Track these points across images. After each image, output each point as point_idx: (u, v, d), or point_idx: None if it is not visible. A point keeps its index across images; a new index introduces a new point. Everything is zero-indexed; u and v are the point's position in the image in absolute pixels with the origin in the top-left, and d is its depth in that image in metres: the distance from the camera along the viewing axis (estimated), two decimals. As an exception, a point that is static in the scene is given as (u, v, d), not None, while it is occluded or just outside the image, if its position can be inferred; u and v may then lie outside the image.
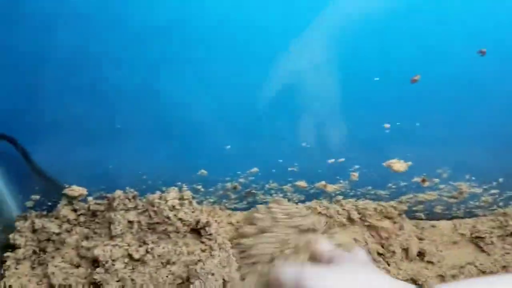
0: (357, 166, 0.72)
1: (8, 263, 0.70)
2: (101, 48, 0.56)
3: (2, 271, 0.70)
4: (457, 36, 0.55)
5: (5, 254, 0.70)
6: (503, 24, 0.54)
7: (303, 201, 0.78)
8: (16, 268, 0.70)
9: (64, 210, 0.72)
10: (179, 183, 0.74)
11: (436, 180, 0.74)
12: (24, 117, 0.65)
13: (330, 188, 0.75)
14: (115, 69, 0.59)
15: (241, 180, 0.74)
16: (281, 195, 0.76)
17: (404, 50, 0.57)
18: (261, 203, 0.78)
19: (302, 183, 0.75)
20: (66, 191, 0.71)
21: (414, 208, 0.79)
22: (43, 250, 0.71)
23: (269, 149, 0.69)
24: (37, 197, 0.73)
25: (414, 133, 0.67)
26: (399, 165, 0.70)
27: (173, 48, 0.57)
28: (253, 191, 0.76)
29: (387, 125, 0.65)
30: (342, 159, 0.70)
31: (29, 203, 0.74)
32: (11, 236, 0.71)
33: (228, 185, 0.75)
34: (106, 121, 0.65)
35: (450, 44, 0.56)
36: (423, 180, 0.74)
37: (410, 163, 0.71)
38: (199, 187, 0.75)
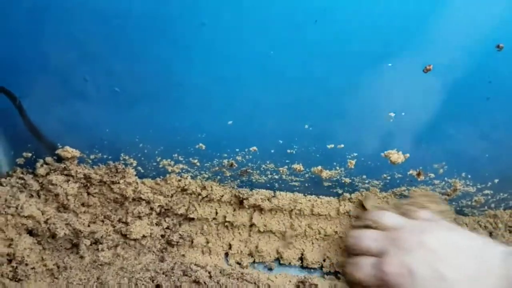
0: (355, 154, 0.71)
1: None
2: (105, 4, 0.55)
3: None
4: (472, 30, 0.56)
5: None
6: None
7: (297, 188, 0.78)
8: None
9: (41, 169, 0.71)
10: (176, 155, 0.73)
11: (432, 175, 0.75)
12: (22, 73, 0.63)
13: (326, 174, 0.74)
14: (117, 28, 0.57)
15: (238, 158, 0.74)
16: (276, 176, 0.76)
17: (417, 38, 0.57)
18: (255, 183, 0.78)
19: (298, 166, 0.74)
20: (58, 151, 0.70)
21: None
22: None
23: (271, 129, 0.69)
24: (29, 155, 0.71)
25: (417, 125, 0.67)
26: (397, 156, 0.71)
27: (178, 14, 0.55)
28: (249, 170, 0.76)
29: (391, 114, 0.65)
30: (342, 145, 0.70)
31: (20, 160, 0.72)
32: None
33: (225, 161, 0.74)
34: (104, 83, 0.64)
35: (465, 38, 0.56)
36: (419, 174, 0.74)
37: (408, 155, 0.71)
38: (195, 161, 0.74)
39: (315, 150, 0.71)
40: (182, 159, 0.74)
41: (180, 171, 0.76)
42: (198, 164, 0.75)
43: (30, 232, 0.70)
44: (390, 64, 0.59)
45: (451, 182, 0.76)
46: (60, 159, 0.71)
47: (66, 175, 0.71)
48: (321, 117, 0.66)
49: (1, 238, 0.66)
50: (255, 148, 0.72)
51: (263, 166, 0.75)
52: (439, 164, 0.73)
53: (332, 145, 0.70)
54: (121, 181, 0.72)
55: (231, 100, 0.65)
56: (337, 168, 0.74)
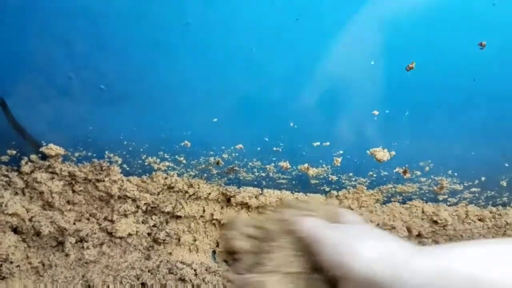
0: (341, 151, 0.71)
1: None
2: (91, 3, 0.55)
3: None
4: (457, 29, 0.56)
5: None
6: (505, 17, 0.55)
7: (284, 186, 0.78)
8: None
9: (26, 166, 0.71)
10: (161, 152, 0.73)
11: (418, 172, 0.75)
12: (5, 70, 0.62)
13: (312, 171, 0.74)
14: (104, 25, 0.57)
15: (225, 155, 0.73)
16: (263, 174, 0.76)
17: (400, 38, 0.57)
18: (242, 181, 0.77)
19: (285, 164, 0.74)
20: (43, 149, 0.70)
21: (391, 199, 0.80)
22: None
23: (257, 126, 0.69)
24: (13, 152, 0.71)
25: (402, 123, 0.67)
26: (382, 153, 0.71)
27: (163, 13, 0.55)
28: (236, 167, 0.75)
29: (375, 112, 0.65)
30: (327, 143, 0.70)
31: (4, 158, 0.71)
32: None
33: (211, 159, 0.74)
34: (90, 80, 0.63)
35: (449, 36, 0.56)
36: (405, 172, 0.74)
37: (393, 153, 0.71)
38: (181, 158, 0.74)
39: (301, 147, 0.71)
40: (168, 156, 0.74)
41: (166, 168, 0.75)
42: (184, 161, 0.74)
43: (15, 230, 0.70)
44: (372, 62, 0.59)
45: (437, 180, 0.76)
46: (44, 157, 0.71)
47: (51, 172, 0.71)
48: (306, 115, 0.66)
49: (-15, 236, 0.66)
50: (241, 145, 0.72)
51: (250, 163, 0.75)
52: (425, 162, 0.73)
53: (318, 143, 0.70)
54: (106, 179, 0.72)
55: (215, 97, 0.65)
56: (324, 165, 0.74)
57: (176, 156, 0.74)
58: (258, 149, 0.72)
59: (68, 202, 0.73)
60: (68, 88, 0.64)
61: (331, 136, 0.69)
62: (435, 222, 0.79)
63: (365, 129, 0.68)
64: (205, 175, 0.77)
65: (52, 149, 0.69)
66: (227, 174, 0.77)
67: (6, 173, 0.71)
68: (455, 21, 0.56)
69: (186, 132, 0.70)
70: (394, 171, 0.74)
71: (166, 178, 0.76)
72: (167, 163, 0.75)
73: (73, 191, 0.73)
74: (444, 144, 0.71)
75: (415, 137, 0.69)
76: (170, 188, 0.77)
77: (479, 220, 0.81)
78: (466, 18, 0.55)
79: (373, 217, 0.78)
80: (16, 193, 0.70)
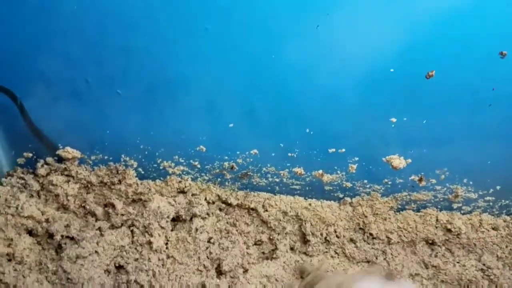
0: (356, 158, 0.71)
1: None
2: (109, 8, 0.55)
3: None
4: (478, 38, 0.55)
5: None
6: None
7: (297, 191, 0.78)
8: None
9: (42, 169, 0.71)
10: (176, 157, 0.73)
11: (433, 180, 0.74)
12: (24, 73, 0.63)
13: (327, 178, 0.74)
14: (119, 29, 0.57)
15: (239, 160, 0.73)
16: (277, 179, 0.76)
17: (421, 46, 0.57)
18: (255, 186, 0.77)
19: (299, 170, 0.74)
20: (59, 152, 0.70)
21: (406, 207, 0.79)
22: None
23: (272, 132, 0.69)
24: (30, 155, 0.71)
25: (419, 131, 0.67)
26: (398, 161, 0.70)
27: (181, 17, 0.56)
28: (250, 173, 0.75)
29: (393, 119, 0.65)
30: (343, 150, 0.70)
31: (20, 160, 0.72)
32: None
33: (226, 164, 0.74)
34: (106, 85, 0.64)
35: (470, 45, 0.56)
36: (420, 179, 0.74)
37: (409, 160, 0.71)
38: (196, 163, 0.74)
39: (316, 154, 0.71)
40: (182, 161, 0.74)
41: (181, 173, 0.75)
42: (198, 166, 0.74)
43: (30, 232, 0.70)
44: (392, 70, 0.59)
45: (452, 188, 0.75)
46: (60, 160, 0.71)
47: (67, 175, 0.71)
48: (323, 122, 0.66)
49: (1, 238, 0.67)
50: (256, 151, 0.72)
51: (264, 169, 0.75)
52: (441, 170, 0.73)
53: (334, 150, 0.70)
54: (122, 182, 0.72)
55: (232, 103, 0.65)
56: (338, 172, 0.74)
57: (191, 161, 0.74)
58: (273, 154, 0.72)
59: (82, 205, 0.73)
60: (85, 92, 0.64)
61: (347, 143, 0.69)
62: (449, 230, 0.78)
63: (382, 137, 0.67)
64: (218, 179, 0.77)
65: (69, 152, 0.70)
66: (240, 179, 0.77)
67: (22, 175, 0.71)
68: (476, 30, 0.55)
69: (202, 137, 0.70)
70: (410, 178, 0.74)
71: (180, 182, 0.76)
72: (181, 167, 0.75)
73: (88, 194, 0.73)
74: (461, 152, 0.70)
75: (432, 145, 0.69)
76: (183, 192, 0.77)
77: (493, 229, 0.80)
78: (487, 28, 0.55)
79: (387, 225, 0.77)
80: (32, 196, 0.70)
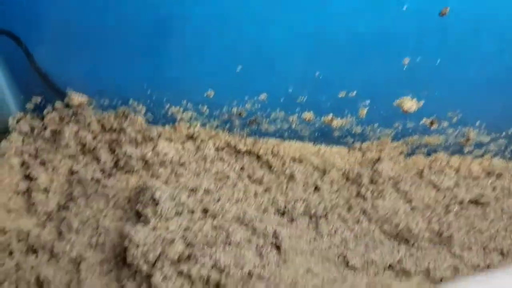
0: (367, 102, 0.70)
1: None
2: None
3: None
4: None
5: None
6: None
7: (306, 137, 0.77)
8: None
9: (50, 114, 0.71)
10: (185, 101, 0.73)
11: (445, 123, 0.73)
12: (27, 14, 0.62)
13: (336, 122, 0.73)
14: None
15: (247, 106, 0.73)
16: (285, 125, 0.75)
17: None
18: (263, 132, 0.77)
19: (309, 115, 0.73)
20: (67, 97, 0.70)
21: (416, 151, 0.79)
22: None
23: (281, 76, 0.67)
24: (38, 99, 0.71)
25: (432, 71, 0.65)
26: (410, 104, 0.69)
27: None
28: (258, 118, 0.75)
29: (406, 60, 0.63)
30: (354, 93, 0.68)
31: (29, 105, 0.72)
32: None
33: (234, 109, 0.73)
34: (112, 26, 0.62)
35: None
36: (432, 123, 0.73)
37: (421, 103, 0.69)
38: (204, 108, 0.73)
39: (326, 98, 0.70)
40: (191, 106, 0.73)
41: (189, 118, 0.75)
42: (207, 112, 0.74)
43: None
44: (405, 7, 0.57)
45: (464, 131, 0.74)
46: (68, 105, 0.71)
47: (75, 121, 0.71)
48: (333, 64, 0.65)
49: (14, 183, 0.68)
50: (264, 96, 0.71)
51: (273, 114, 0.74)
52: (453, 112, 0.72)
53: (344, 93, 0.68)
54: (130, 127, 0.72)
55: (240, 45, 0.63)
56: (348, 116, 0.73)
57: (199, 106, 0.73)
58: (282, 99, 0.71)
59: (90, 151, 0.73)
60: (90, 35, 0.63)
61: (358, 85, 0.67)
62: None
63: (394, 78, 0.66)
64: (227, 126, 0.77)
65: (76, 97, 0.69)
66: (249, 125, 0.76)
67: (31, 121, 0.72)
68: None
69: (209, 81, 0.69)
70: (421, 122, 0.73)
71: (189, 128, 0.76)
72: (190, 113, 0.74)
73: (94, 139, 0.73)
74: (474, 93, 0.68)
75: (445, 86, 0.67)
76: (192, 138, 0.77)
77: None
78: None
79: (396, 169, 0.77)
80: (42, 141, 0.71)
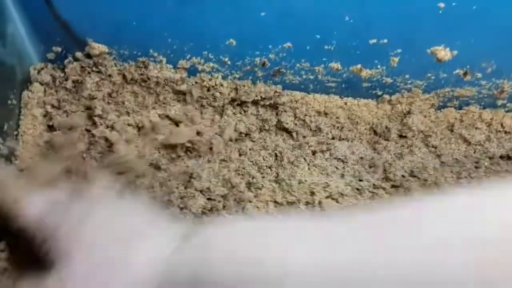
0: (399, 50, 0.66)
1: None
2: None
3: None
4: None
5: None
6: None
7: (333, 90, 0.75)
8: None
9: (71, 65, 0.70)
10: (206, 52, 0.70)
11: (479, 75, 0.69)
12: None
13: (365, 73, 0.70)
14: None
15: (271, 56, 0.70)
16: (311, 76, 0.72)
17: None
18: (288, 84, 0.74)
19: (336, 65, 0.70)
20: (87, 47, 0.68)
21: (447, 104, 0.75)
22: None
23: (307, 21, 0.64)
24: (59, 49, 0.69)
25: (469, 17, 0.61)
26: (444, 53, 0.65)
27: None
28: (282, 69, 0.72)
29: (441, 4, 0.59)
30: (385, 40, 0.65)
31: (50, 55, 0.71)
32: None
33: (257, 60, 0.71)
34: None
35: None
36: (465, 74, 0.69)
37: (455, 52, 0.66)
38: (226, 59, 0.71)
39: (356, 46, 0.66)
40: (212, 57, 0.71)
41: (211, 70, 0.73)
42: (229, 63, 0.71)
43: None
44: None
45: (498, 83, 0.71)
46: (89, 55, 0.69)
47: (96, 71, 0.70)
48: (364, 8, 0.61)
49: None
50: (289, 44, 0.68)
51: (298, 65, 0.71)
52: (488, 63, 0.68)
53: (375, 40, 0.65)
54: (151, 78, 0.70)
55: (264, -13, 0.60)
56: (379, 66, 0.69)
57: (221, 57, 0.71)
58: (308, 48, 0.68)
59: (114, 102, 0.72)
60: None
61: (390, 32, 0.64)
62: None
63: (428, 24, 0.62)
64: (250, 77, 0.74)
65: (96, 46, 0.67)
66: (272, 76, 0.74)
67: (52, 71, 0.70)
68: None
69: (231, 29, 0.66)
70: (454, 72, 0.69)
71: (210, 80, 0.74)
72: (211, 64, 0.72)
73: (118, 91, 0.72)
74: (510, 43, 0.65)
75: (480, 34, 0.64)
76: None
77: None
78: None
79: (426, 123, 0.74)
80: (63, 91, 0.70)
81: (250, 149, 0.74)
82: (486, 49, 0.66)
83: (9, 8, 0.64)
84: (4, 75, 0.66)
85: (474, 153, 0.74)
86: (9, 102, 0.67)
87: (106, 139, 0.68)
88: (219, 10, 0.63)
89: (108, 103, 0.71)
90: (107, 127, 0.70)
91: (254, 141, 0.75)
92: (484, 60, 0.68)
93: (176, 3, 0.63)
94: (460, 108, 0.76)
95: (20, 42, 0.68)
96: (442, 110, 0.76)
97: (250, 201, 0.67)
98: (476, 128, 0.75)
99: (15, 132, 0.68)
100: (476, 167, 0.73)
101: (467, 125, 0.75)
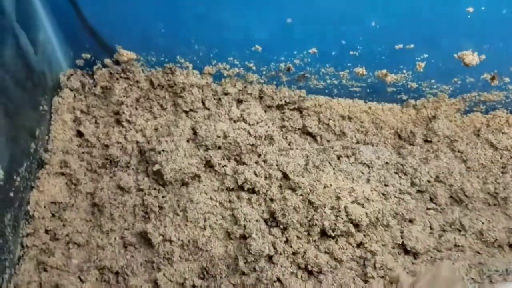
0: (425, 55, 0.66)
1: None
2: None
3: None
4: None
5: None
6: None
7: (357, 94, 0.75)
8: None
9: (100, 71, 0.72)
10: (231, 58, 0.71)
11: (507, 79, 0.69)
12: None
13: (390, 78, 0.70)
14: None
15: (296, 61, 0.70)
16: (335, 81, 0.73)
17: None
18: (312, 89, 0.75)
19: (361, 70, 0.70)
20: (115, 54, 0.69)
21: (474, 108, 0.75)
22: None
23: (333, 27, 0.64)
24: (88, 56, 0.71)
25: (497, 22, 0.60)
26: (471, 57, 0.65)
27: None
28: (307, 74, 0.72)
29: (470, 9, 0.59)
30: (411, 45, 0.65)
31: (79, 62, 0.72)
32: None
33: (282, 65, 0.71)
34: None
35: None
36: (493, 78, 0.68)
37: (483, 56, 0.65)
38: (251, 64, 0.71)
39: (381, 51, 0.66)
40: (237, 62, 0.71)
41: (236, 76, 0.73)
42: (254, 68, 0.72)
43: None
44: None
45: (527, 88, 0.70)
46: (117, 62, 0.71)
47: (125, 78, 0.71)
48: (391, 13, 0.61)
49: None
50: (314, 50, 0.68)
51: (322, 70, 0.71)
52: (517, 67, 0.67)
53: (401, 46, 0.65)
54: (177, 84, 0.71)
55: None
56: (404, 71, 0.69)
57: (246, 62, 0.71)
58: (333, 53, 0.68)
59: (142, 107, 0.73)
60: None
61: (417, 37, 0.63)
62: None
63: (456, 29, 0.61)
64: (274, 82, 0.75)
65: (124, 53, 0.69)
66: (297, 81, 0.74)
67: (81, 78, 0.72)
68: None
69: (257, 35, 0.67)
70: (481, 77, 0.68)
71: (235, 85, 0.74)
72: (236, 70, 0.72)
73: (146, 97, 0.73)
74: (541, 47, 0.64)
75: (509, 38, 0.63)
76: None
77: None
78: None
79: (452, 128, 0.73)
80: (92, 97, 0.72)
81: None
82: (515, 53, 0.66)
83: (40, 16, 0.66)
84: (35, 81, 0.67)
85: (500, 158, 0.73)
86: (41, 108, 0.68)
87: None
88: (246, 15, 0.64)
89: (136, 108, 0.72)
90: (137, 131, 0.71)
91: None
92: (512, 65, 0.67)
93: (202, 10, 0.63)
94: (486, 112, 0.75)
95: (51, 49, 0.70)
96: (468, 114, 0.75)
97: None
98: (503, 132, 0.74)
99: (46, 137, 0.70)
100: (502, 173, 0.72)
101: (493, 129, 0.74)
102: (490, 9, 0.59)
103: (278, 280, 0.65)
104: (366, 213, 0.64)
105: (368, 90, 0.74)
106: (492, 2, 0.58)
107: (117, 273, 0.65)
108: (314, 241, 0.67)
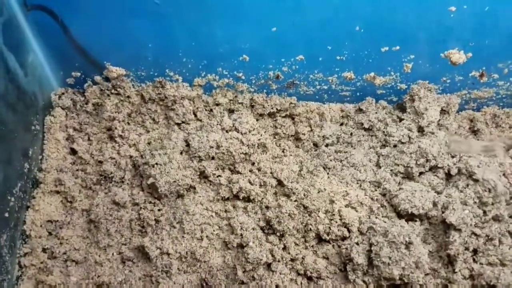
0: (412, 56, 0.66)
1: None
2: None
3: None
4: None
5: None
6: None
7: (347, 98, 0.75)
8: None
9: (90, 88, 0.72)
10: (220, 69, 0.71)
11: (495, 75, 0.69)
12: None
13: (379, 80, 0.70)
14: None
15: (284, 68, 0.70)
16: (325, 87, 0.73)
17: None
18: (302, 95, 0.75)
19: (349, 74, 0.70)
20: (105, 70, 0.70)
21: (465, 106, 0.75)
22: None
23: (318, 33, 0.64)
24: (78, 74, 0.72)
25: (481, 19, 0.61)
26: (458, 56, 0.65)
27: None
28: (296, 81, 0.73)
29: (452, 8, 0.59)
30: (397, 47, 0.65)
31: (69, 80, 0.73)
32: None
33: (271, 73, 0.71)
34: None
35: None
36: (481, 75, 0.69)
37: (470, 54, 0.65)
38: (240, 74, 0.72)
39: (368, 54, 0.67)
40: (226, 73, 0.72)
41: (226, 86, 0.74)
42: (243, 77, 0.72)
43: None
44: None
45: (517, 83, 0.70)
46: (108, 78, 0.71)
47: (115, 93, 0.72)
48: (374, 16, 0.61)
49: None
50: (301, 56, 0.68)
51: (311, 76, 0.71)
52: (504, 63, 0.67)
53: (387, 48, 0.65)
54: (168, 97, 0.72)
55: (273, 4, 0.61)
56: (392, 73, 0.70)
57: (235, 72, 0.72)
58: (320, 59, 0.69)
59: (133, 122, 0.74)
60: (123, 4, 0.62)
61: (402, 38, 0.64)
62: (512, 129, 0.74)
63: (440, 29, 0.62)
64: (264, 91, 0.75)
65: (114, 70, 0.69)
66: (287, 88, 0.74)
67: (72, 96, 0.73)
68: None
69: (244, 45, 0.67)
70: (470, 75, 0.69)
71: (225, 95, 0.75)
72: (226, 80, 0.73)
73: (137, 111, 0.73)
74: (527, 41, 0.64)
75: (494, 35, 0.63)
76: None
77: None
78: None
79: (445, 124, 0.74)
80: (84, 114, 0.72)
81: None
82: (501, 49, 0.66)
83: (28, 38, 0.67)
84: (27, 102, 0.68)
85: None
86: (33, 128, 0.69)
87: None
88: (232, 26, 0.64)
89: (128, 123, 0.73)
90: (130, 146, 0.72)
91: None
92: (500, 61, 0.67)
93: (189, 24, 0.64)
94: (478, 109, 0.75)
95: (40, 69, 0.70)
96: (460, 112, 0.75)
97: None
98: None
99: (40, 157, 0.70)
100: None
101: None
102: (472, 7, 0.59)
103: (278, 287, 0.65)
104: (359, 217, 0.65)
105: (358, 94, 0.74)
106: (475, 1, 0.59)
107: (115, 289, 0.65)
108: (312, 246, 0.67)
